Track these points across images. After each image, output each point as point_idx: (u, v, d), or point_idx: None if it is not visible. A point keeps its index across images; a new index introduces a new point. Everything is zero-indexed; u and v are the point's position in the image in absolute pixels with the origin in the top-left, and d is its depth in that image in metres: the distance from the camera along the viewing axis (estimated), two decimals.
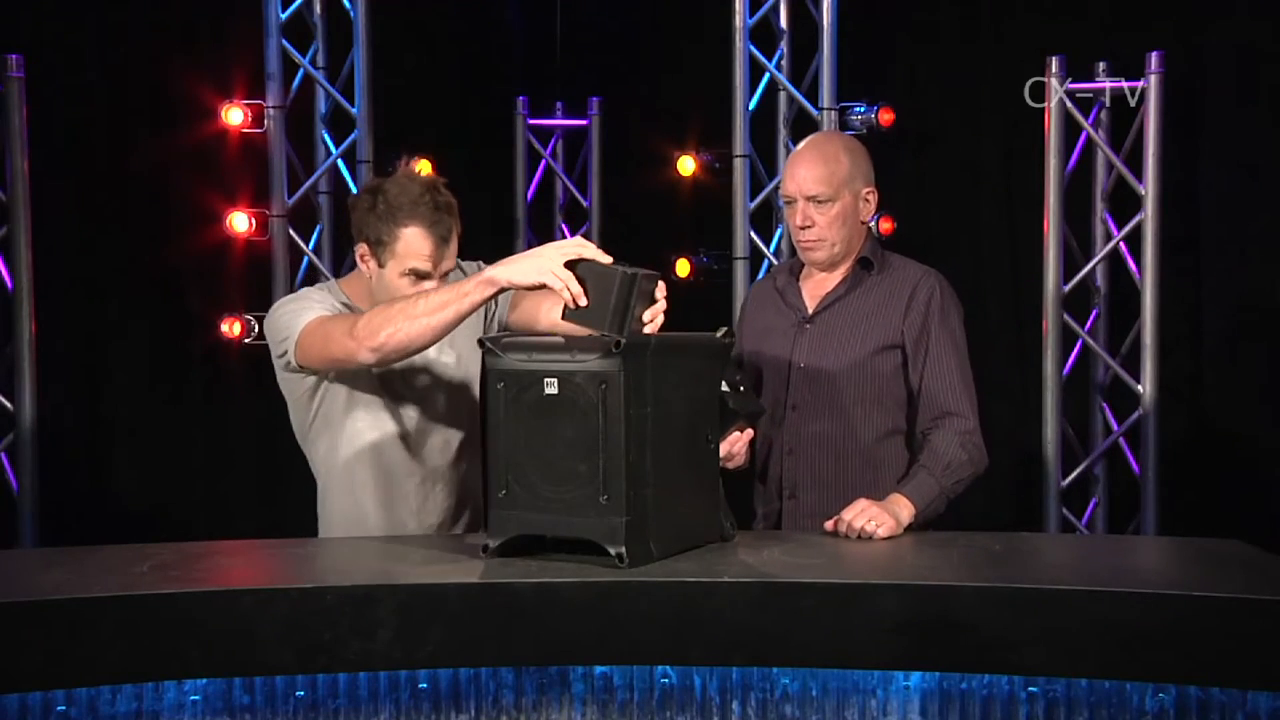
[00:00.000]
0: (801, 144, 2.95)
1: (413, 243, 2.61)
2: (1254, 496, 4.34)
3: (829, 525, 2.57)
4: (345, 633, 2.09)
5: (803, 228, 2.84)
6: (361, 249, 2.67)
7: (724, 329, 2.49)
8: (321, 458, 2.78)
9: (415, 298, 2.48)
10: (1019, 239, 4.66)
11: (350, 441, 2.73)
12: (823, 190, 2.81)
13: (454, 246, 2.67)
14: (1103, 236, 4.59)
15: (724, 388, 2.52)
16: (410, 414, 2.73)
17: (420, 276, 2.62)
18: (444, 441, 2.76)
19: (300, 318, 2.62)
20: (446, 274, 2.67)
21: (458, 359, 2.77)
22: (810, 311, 2.89)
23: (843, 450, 2.82)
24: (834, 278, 2.90)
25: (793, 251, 4.80)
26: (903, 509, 2.61)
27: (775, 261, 4.84)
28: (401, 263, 2.61)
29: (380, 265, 2.64)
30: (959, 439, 2.73)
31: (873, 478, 2.76)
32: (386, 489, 2.74)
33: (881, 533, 2.52)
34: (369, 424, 2.72)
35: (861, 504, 2.56)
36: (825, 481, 2.82)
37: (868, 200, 2.87)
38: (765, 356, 2.91)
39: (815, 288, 2.92)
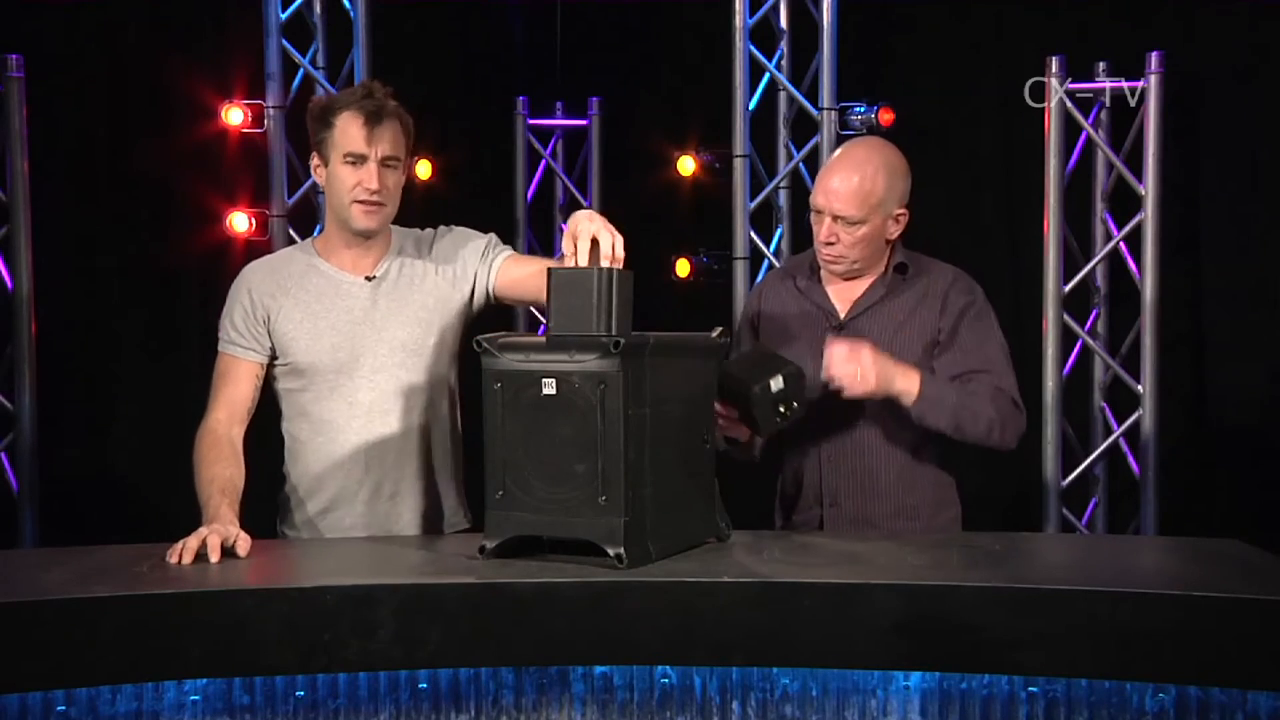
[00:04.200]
0: (841, 152, 2.81)
1: (345, 128, 2.66)
2: (1254, 496, 4.34)
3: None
4: (345, 633, 2.09)
5: (826, 243, 2.77)
6: (314, 159, 2.73)
7: (719, 329, 2.49)
8: (286, 430, 2.80)
9: (212, 476, 2.57)
10: (1019, 239, 4.66)
11: (310, 425, 2.75)
12: (853, 213, 2.72)
13: (392, 132, 2.68)
14: (1103, 236, 4.59)
15: (779, 384, 2.50)
16: (371, 400, 2.71)
17: (357, 159, 2.66)
18: (408, 433, 2.74)
19: (223, 326, 2.75)
20: (390, 160, 2.67)
21: (427, 357, 2.75)
22: (843, 317, 2.82)
23: (884, 456, 2.77)
24: (862, 281, 2.84)
25: (794, 251, 4.86)
26: (901, 379, 2.61)
27: (775, 262, 4.84)
28: (339, 150, 2.67)
29: (327, 164, 2.70)
30: (992, 391, 2.71)
31: (912, 479, 2.75)
32: (349, 478, 2.73)
33: (857, 391, 2.56)
34: (326, 411, 2.72)
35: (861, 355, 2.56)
36: (866, 487, 2.78)
37: (898, 220, 2.80)
38: (793, 358, 2.84)
39: (844, 291, 2.85)
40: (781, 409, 2.53)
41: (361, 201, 2.66)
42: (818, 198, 2.77)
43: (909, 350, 2.76)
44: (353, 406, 2.70)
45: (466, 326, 2.80)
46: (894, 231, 2.80)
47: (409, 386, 2.72)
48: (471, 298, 2.78)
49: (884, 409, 2.75)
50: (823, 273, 2.88)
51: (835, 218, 2.74)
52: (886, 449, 2.78)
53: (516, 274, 2.76)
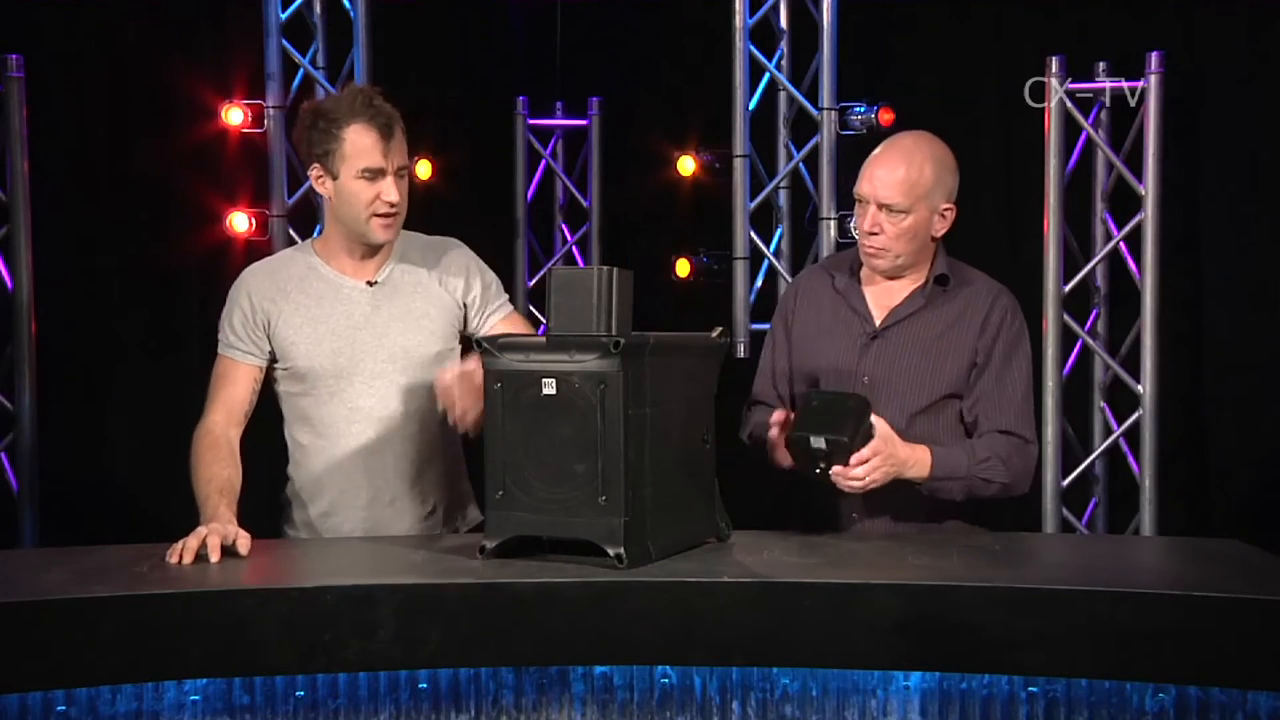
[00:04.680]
0: (888, 142, 2.75)
1: (359, 140, 2.61)
2: (1254, 496, 4.34)
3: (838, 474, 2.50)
4: (345, 633, 2.09)
5: (870, 233, 2.69)
6: (314, 170, 2.67)
7: (719, 329, 2.49)
8: (288, 433, 2.80)
9: (210, 476, 2.55)
10: (1019, 239, 4.66)
11: (311, 429, 2.74)
12: (899, 200, 2.65)
13: (402, 143, 2.65)
14: (1103, 236, 4.59)
15: (819, 444, 2.46)
16: (370, 406, 2.71)
17: (374, 174, 2.62)
18: (408, 439, 2.74)
19: (223, 328, 2.73)
20: (402, 170, 2.66)
21: (428, 357, 2.75)
22: (879, 325, 2.75)
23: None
24: (902, 287, 2.77)
25: (794, 251, 4.86)
26: (914, 466, 2.55)
27: (775, 262, 4.84)
28: (352, 165, 2.62)
29: (335, 177, 2.64)
30: (1011, 450, 2.65)
31: (943, 505, 2.67)
32: (349, 483, 2.73)
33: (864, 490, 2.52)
34: (326, 415, 2.73)
35: (875, 462, 2.49)
36: (894, 501, 2.67)
37: (944, 216, 2.72)
38: (825, 364, 2.77)
39: (882, 296, 2.78)
40: (821, 464, 2.49)
41: (381, 215, 2.64)
42: (862, 185, 2.70)
43: (941, 367, 2.71)
44: (352, 412, 2.70)
45: (463, 336, 2.80)
46: (940, 228, 2.73)
47: (409, 392, 2.71)
48: (464, 322, 2.79)
49: (915, 424, 2.69)
50: (863, 273, 2.81)
51: (880, 205, 2.67)
52: None
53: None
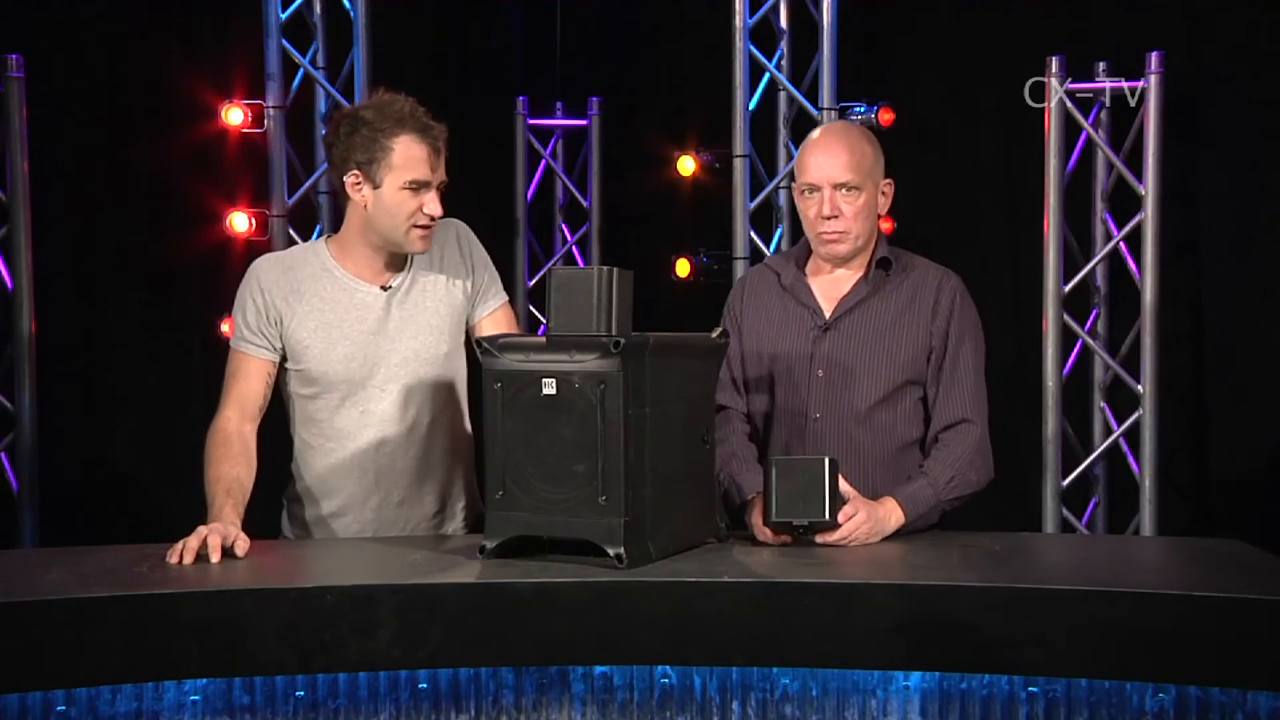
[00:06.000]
0: (817, 133, 2.81)
1: (409, 152, 2.60)
2: (1254, 496, 4.34)
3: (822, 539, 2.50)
4: (345, 633, 2.09)
5: (828, 217, 2.70)
6: (352, 176, 2.64)
7: (719, 329, 2.49)
8: (295, 433, 2.79)
9: (218, 476, 2.55)
10: (1019, 239, 4.66)
11: (321, 431, 2.74)
12: (852, 177, 2.69)
13: (444, 158, 2.65)
14: (1103, 236, 4.58)
15: (801, 523, 2.45)
16: (383, 410, 2.71)
17: (420, 186, 2.61)
18: (419, 441, 2.74)
19: (235, 323, 2.71)
20: (442, 184, 2.65)
21: (443, 355, 2.75)
22: (829, 316, 2.77)
23: (869, 459, 2.72)
24: (848, 277, 2.79)
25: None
26: (892, 518, 2.55)
27: None
28: (400, 175, 2.60)
29: (376, 185, 2.62)
30: (969, 453, 2.67)
31: (897, 482, 2.68)
32: (359, 486, 2.73)
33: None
34: (338, 419, 2.72)
35: (859, 518, 2.50)
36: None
37: (885, 193, 2.79)
38: (779, 360, 2.78)
39: (829, 288, 2.80)
40: (800, 530, 2.48)
41: (421, 226, 2.64)
42: (809, 175, 2.73)
43: (896, 355, 2.73)
44: (365, 415, 2.70)
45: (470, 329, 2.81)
46: (883, 205, 2.79)
47: (421, 394, 2.71)
48: (469, 312, 2.80)
49: (871, 413, 2.72)
50: (808, 266, 2.83)
51: (835, 186, 2.70)
52: (873, 453, 2.72)
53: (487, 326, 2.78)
